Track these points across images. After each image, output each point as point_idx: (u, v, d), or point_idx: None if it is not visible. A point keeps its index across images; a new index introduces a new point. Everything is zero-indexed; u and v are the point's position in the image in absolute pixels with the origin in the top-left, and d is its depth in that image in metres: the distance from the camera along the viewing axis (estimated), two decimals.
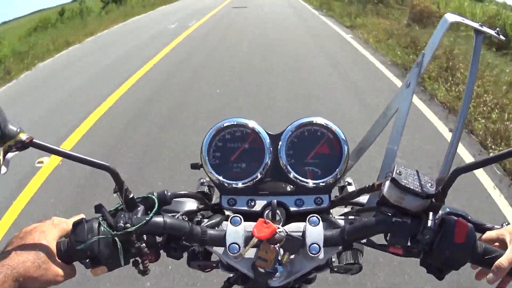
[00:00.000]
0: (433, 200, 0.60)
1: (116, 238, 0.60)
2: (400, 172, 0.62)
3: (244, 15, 13.06)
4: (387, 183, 0.62)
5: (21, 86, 6.57)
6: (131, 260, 0.64)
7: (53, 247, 0.60)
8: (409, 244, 0.61)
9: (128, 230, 0.60)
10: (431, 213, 0.60)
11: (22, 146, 0.56)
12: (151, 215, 0.62)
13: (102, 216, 0.63)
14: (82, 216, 0.65)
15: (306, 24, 10.65)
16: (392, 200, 0.62)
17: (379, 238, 0.66)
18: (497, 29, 0.76)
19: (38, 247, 0.58)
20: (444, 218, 0.61)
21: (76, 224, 0.62)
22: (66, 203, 2.90)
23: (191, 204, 0.76)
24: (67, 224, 0.65)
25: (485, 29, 0.74)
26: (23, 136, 0.56)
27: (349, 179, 0.85)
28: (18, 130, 0.56)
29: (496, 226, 0.68)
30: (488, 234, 0.66)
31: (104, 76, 6.51)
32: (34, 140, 0.56)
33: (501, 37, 0.74)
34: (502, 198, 2.79)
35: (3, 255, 0.57)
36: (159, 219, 0.62)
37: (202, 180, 0.83)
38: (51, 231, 0.62)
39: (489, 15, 8.41)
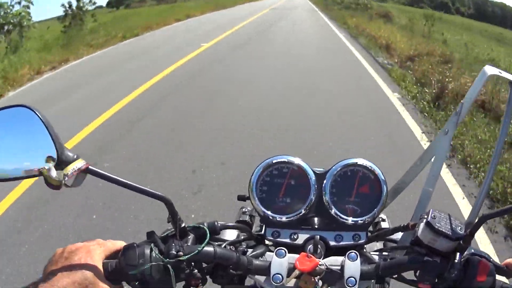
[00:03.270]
0: (461, 242, 0.65)
1: (168, 265, 0.63)
2: (434, 216, 0.66)
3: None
4: (422, 225, 0.66)
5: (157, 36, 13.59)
6: (179, 283, 0.68)
7: (100, 267, 0.61)
8: (436, 280, 0.66)
9: (180, 258, 0.63)
10: (458, 254, 0.65)
11: (80, 172, 0.58)
12: (203, 245, 0.66)
13: (154, 243, 0.65)
14: (122, 242, 0.67)
15: None
16: (425, 242, 0.66)
17: (408, 273, 0.71)
18: None
19: (85, 267, 0.58)
20: (469, 258, 0.66)
21: (127, 248, 0.64)
22: None
23: (233, 232, 0.80)
24: (112, 244, 0.66)
25: None
26: (80, 163, 0.59)
27: (383, 216, 0.89)
28: (75, 156, 0.59)
29: None
30: (509, 260, 0.71)
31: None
32: (90, 167, 0.59)
33: None
34: None
35: (50, 275, 0.57)
36: (210, 249, 0.66)
37: (244, 210, 0.88)
38: (97, 251, 0.62)
39: None
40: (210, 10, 22.90)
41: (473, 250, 0.73)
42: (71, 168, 0.58)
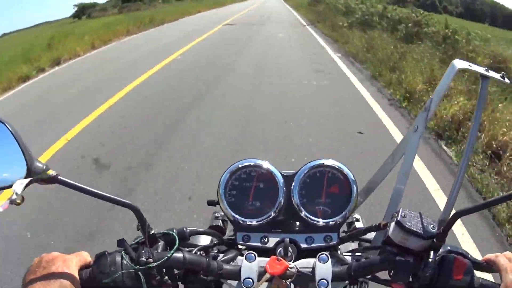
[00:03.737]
0: (435, 240, 0.64)
1: (139, 272, 0.63)
2: (404, 215, 0.66)
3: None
4: (392, 225, 0.66)
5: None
6: None
7: (77, 276, 0.62)
8: (410, 279, 0.65)
9: (150, 265, 0.63)
10: (432, 252, 0.64)
11: (48, 182, 0.60)
12: (172, 251, 0.66)
13: (125, 250, 0.66)
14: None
15: None
16: (396, 241, 0.66)
17: (383, 273, 0.70)
18: (503, 72, 0.79)
19: (62, 276, 0.60)
20: (444, 256, 0.65)
21: (99, 256, 0.65)
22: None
23: (205, 238, 0.79)
24: (86, 255, 0.68)
25: (491, 73, 0.77)
26: (50, 173, 0.60)
27: (356, 215, 0.89)
28: (44, 167, 0.60)
29: None
30: (488, 256, 0.69)
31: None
32: (59, 177, 0.60)
33: (506, 80, 0.78)
34: None
35: (29, 285, 0.58)
36: (179, 255, 0.66)
37: (216, 214, 0.87)
38: (73, 260, 0.64)
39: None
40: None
41: (449, 248, 0.72)
42: (40, 179, 0.59)
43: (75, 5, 39.46)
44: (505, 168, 3.47)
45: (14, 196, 0.56)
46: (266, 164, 0.79)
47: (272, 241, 0.76)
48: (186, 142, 4.19)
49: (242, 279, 0.67)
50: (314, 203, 0.78)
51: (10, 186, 0.58)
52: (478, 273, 0.66)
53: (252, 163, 0.79)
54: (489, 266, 0.68)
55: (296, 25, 16.06)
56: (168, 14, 21.16)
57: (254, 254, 0.69)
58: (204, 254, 0.72)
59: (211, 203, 0.80)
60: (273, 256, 0.68)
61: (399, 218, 0.65)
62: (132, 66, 8.41)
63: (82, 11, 37.70)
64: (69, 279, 0.61)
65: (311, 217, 0.76)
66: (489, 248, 2.51)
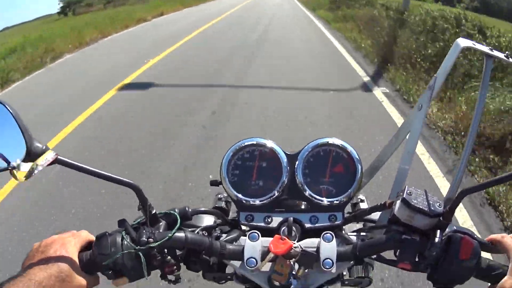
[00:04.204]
0: (441, 218, 0.63)
1: (140, 253, 0.63)
2: (410, 192, 0.65)
3: None
4: (398, 203, 0.65)
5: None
6: (152, 271, 0.67)
7: (75, 259, 0.62)
8: (417, 259, 0.64)
9: (151, 245, 0.63)
10: (438, 231, 0.63)
11: (48, 164, 0.59)
12: (173, 231, 0.65)
13: (125, 230, 0.66)
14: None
15: None
16: (402, 219, 0.65)
17: (389, 253, 0.69)
18: (507, 52, 0.78)
19: (60, 259, 0.60)
20: (451, 236, 0.64)
21: (99, 237, 0.65)
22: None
23: (209, 219, 0.79)
24: (87, 235, 0.67)
25: (495, 53, 0.77)
26: (49, 154, 0.59)
27: (361, 196, 0.87)
28: (44, 147, 0.59)
29: None
30: (493, 236, 0.68)
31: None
32: (59, 157, 0.59)
33: (511, 60, 0.77)
34: None
35: (27, 269, 0.58)
36: (181, 234, 0.65)
37: (219, 196, 0.86)
38: (71, 243, 0.64)
39: None
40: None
41: (455, 227, 0.71)
42: (41, 160, 0.58)
43: (61, 0, 36.46)
44: None
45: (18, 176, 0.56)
46: (269, 143, 0.78)
47: (275, 220, 0.75)
48: None
49: (245, 259, 0.66)
50: (318, 182, 0.77)
51: (10, 168, 0.58)
52: (484, 254, 0.65)
53: (255, 142, 0.78)
54: (494, 246, 0.67)
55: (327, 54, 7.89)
56: (145, 11, 17.53)
57: (258, 234, 0.68)
58: (206, 234, 0.71)
59: (214, 183, 0.79)
60: (276, 236, 0.67)
61: (405, 195, 0.64)
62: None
63: (68, 7, 35.17)
64: (68, 262, 0.60)
65: (316, 196, 0.75)
66: None
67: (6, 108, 0.60)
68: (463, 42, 0.74)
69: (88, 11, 29.12)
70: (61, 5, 36.22)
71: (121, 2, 28.67)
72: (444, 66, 0.74)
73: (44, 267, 0.58)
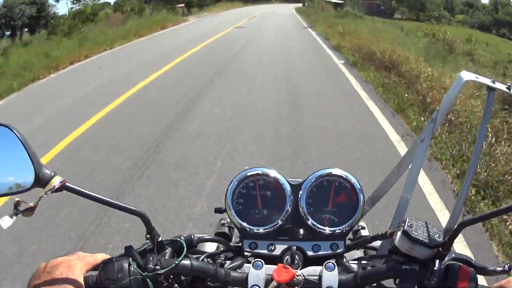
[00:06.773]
0: (440, 249, 0.65)
1: (147, 279, 0.64)
2: (411, 224, 0.66)
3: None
4: (399, 234, 0.66)
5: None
6: None
7: (81, 281, 0.61)
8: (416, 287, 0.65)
9: (158, 272, 0.64)
10: (437, 261, 0.64)
11: (56, 190, 0.59)
12: (180, 259, 0.66)
13: (132, 257, 0.66)
14: (103, 254, 0.68)
15: None
16: (403, 250, 0.66)
17: (389, 282, 0.71)
18: (508, 84, 0.80)
19: (66, 281, 0.60)
20: (449, 264, 0.65)
21: (106, 263, 0.65)
22: None
23: (212, 244, 0.80)
24: (93, 258, 0.67)
25: (497, 85, 0.78)
26: (57, 180, 0.59)
27: (362, 223, 0.89)
28: (52, 174, 0.59)
29: (498, 269, 0.72)
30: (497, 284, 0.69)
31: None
32: (67, 184, 0.59)
33: None
34: None
35: None
36: (187, 262, 0.66)
37: (223, 221, 0.87)
38: (78, 265, 0.63)
39: None
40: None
41: (454, 255, 0.73)
42: (49, 187, 0.58)
43: None
44: None
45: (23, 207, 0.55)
46: (273, 173, 0.79)
47: (279, 248, 0.77)
48: None
49: (249, 287, 0.67)
50: (321, 212, 0.78)
51: (17, 192, 0.58)
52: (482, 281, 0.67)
53: (259, 172, 0.79)
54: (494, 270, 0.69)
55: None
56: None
57: (262, 262, 0.69)
58: (211, 261, 0.72)
59: (218, 210, 0.80)
60: (280, 264, 0.68)
61: (405, 227, 0.65)
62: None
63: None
64: (74, 285, 0.60)
65: (318, 225, 0.77)
66: None
67: (14, 133, 0.60)
68: (466, 75, 0.75)
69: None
70: None
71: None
72: (447, 99, 0.76)
73: None
